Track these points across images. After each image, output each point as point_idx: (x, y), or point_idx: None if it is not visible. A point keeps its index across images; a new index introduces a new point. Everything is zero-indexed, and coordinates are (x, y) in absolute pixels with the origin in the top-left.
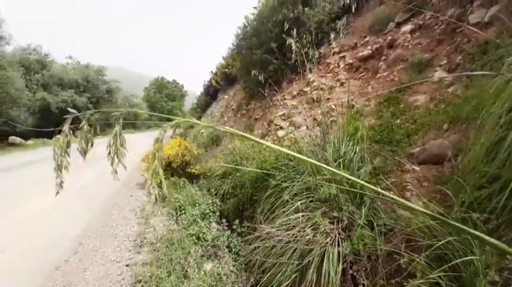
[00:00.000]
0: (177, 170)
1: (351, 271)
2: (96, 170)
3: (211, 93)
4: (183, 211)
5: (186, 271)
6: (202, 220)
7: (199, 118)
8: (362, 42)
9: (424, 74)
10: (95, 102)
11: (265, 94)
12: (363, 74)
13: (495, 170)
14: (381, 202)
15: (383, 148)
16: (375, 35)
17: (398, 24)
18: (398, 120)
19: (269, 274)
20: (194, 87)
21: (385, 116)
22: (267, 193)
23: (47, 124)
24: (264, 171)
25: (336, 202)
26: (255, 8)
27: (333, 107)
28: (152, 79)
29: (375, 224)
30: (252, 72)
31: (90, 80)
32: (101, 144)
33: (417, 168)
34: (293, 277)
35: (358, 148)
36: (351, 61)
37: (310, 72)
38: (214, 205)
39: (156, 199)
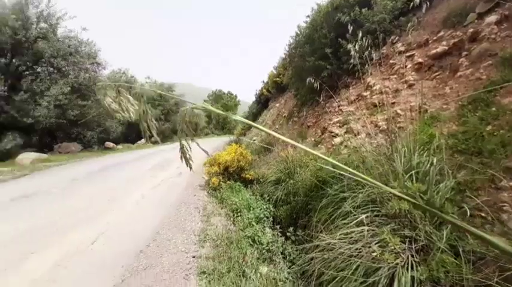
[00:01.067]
0: (233, 174)
1: None
2: (166, 173)
3: (262, 102)
4: (239, 214)
5: (244, 270)
6: (257, 223)
7: (249, 127)
8: (435, 37)
9: None
10: (165, 114)
11: (319, 101)
12: (437, 73)
13: None
14: (469, 225)
15: (470, 159)
16: (451, 29)
17: (481, 15)
18: (489, 127)
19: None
20: (247, 97)
21: (470, 122)
22: (323, 202)
23: (131, 132)
24: (319, 179)
25: (408, 219)
26: (308, 16)
27: (400, 112)
28: (211, 92)
29: (461, 249)
30: (304, 79)
31: (163, 96)
32: (172, 149)
33: None
34: None
35: (435, 159)
36: (420, 60)
37: (371, 75)
38: (268, 210)
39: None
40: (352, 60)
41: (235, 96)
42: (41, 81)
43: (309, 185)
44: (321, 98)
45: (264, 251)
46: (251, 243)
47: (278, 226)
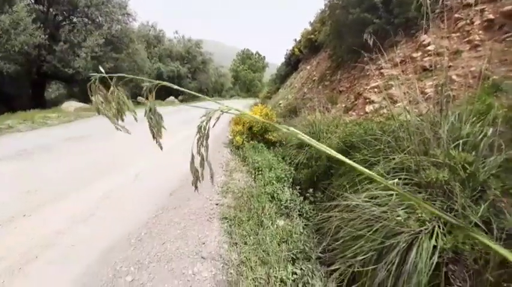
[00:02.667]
0: (256, 135)
1: (445, 269)
2: (192, 129)
3: (292, 64)
4: (260, 172)
5: (262, 220)
6: (277, 182)
7: (277, 89)
8: None
9: None
10: (193, 72)
11: (357, 62)
12: (508, 34)
13: None
14: (509, 203)
15: None
16: None
17: None
18: None
19: (344, 244)
20: (276, 59)
21: None
22: (346, 167)
23: (159, 89)
24: (347, 145)
25: (443, 190)
26: None
27: (455, 78)
28: (240, 51)
29: (494, 226)
30: (343, 36)
31: (191, 52)
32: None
33: None
34: (370, 254)
35: (490, 130)
36: (491, 16)
37: (426, 32)
38: (289, 171)
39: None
40: (409, 13)
41: (263, 57)
42: (78, 32)
43: (335, 150)
44: (361, 58)
45: (282, 207)
46: (270, 199)
47: (298, 187)
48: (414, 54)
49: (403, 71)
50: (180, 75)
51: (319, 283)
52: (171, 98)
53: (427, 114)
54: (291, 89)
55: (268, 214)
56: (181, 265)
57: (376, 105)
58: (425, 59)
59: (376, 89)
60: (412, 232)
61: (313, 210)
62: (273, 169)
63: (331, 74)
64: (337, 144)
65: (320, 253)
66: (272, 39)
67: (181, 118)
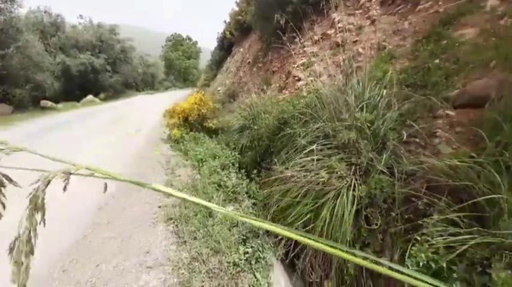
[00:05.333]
0: (194, 124)
1: (365, 213)
2: (121, 130)
3: (225, 47)
4: (204, 163)
5: (210, 212)
6: (222, 170)
7: (214, 76)
8: None
9: (477, 3)
10: (111, 63)
11: (283, 43)
12: (400, 7)
13: None
14: (405, 149)
15: (415, 92)
16: None
17: None
18: (437, 60)
19: (286, 212)
20: (209, 44)
21: (421, 56)
22: (283, 142)
23: (71, 87)
24: (280, 122)
25: (356, 149)
26: None
27: (361, 50)
28: (170, 36)
29: (396, 170)
30: (267, 17)
31: (104, 40)
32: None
33: (452, 113)
34: (308, 215)
35: (384, 91)
36: None
37: (336, 10)
38: (233, 157)
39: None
40: None
41: (196, 43)
42: None
43: (272, 129)
44: (285, 37)
45: (229, 193)
46: (217, 188)
47: (243, 170)
48: (329, 32)
49: (321, 48)
50: (96, 68)
51: (269, 255)
52: (89, 97)
53: (338, 85)
54: (228, 74)
55: (217, 203)
56: (122, 283)
57: (303, 82)
58: (338, 35)
59: (302, 67)
60: (335, 188)
61: (260, 189)
62: (217, 157)
63: (263, 55)
64: (273, 123)
65: None
66: (201, 22)
67: (104, 120)
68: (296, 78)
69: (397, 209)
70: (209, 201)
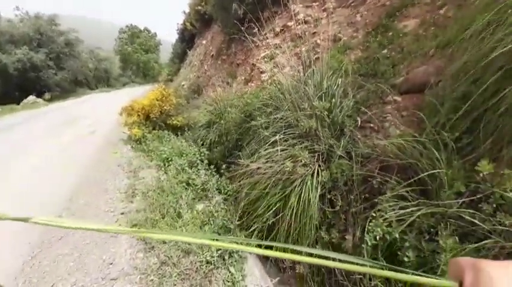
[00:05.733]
0: (157, 122)
1: (329, 196)
2: (73, 133)
3: (187, 39)
4: (170, 162)
5: (179, 212)
6: (191, 168)
7: (178, 70)
8: None
9: None
10: (55, 59)
11: (245, 34)
12: (352, 0)
13: (467, 89)
14: (361, 134)
15: (367, 80)
16: None
17: None
18: (385, 51)
19: (256, 205)
20: (170, 35)
21: (371, 47)
22: (250, 135)
23: (8, 88)
24: (246, 115)
25: (317, 136)
26: None
27: (319, 42)
28: (125, 28)
29: (353, 154)
30: (227, 7)
31: (43, 32)
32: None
33: (398, 98)
34: (277, 205)
35: (339, 81)
36: None
37: (294, 2)
38: (202, 154)
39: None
40: None
41: (155, 34)
42: None
43: (239, 122)
44: (245, 29)
45: (199, 191)
46: (186, 187)
47: (213, 166)
48: (289, 24)
49: (283, 40)
50: (36, 65)
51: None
52: (31, 98)
53: (299, 76)
54: (191, 68)
55: (186, 203)
56: None
57: (268, 74)
58: (298, 27)
59: (265, 59)
60: (301, 176)
61: (230, 183)
62: (184, 155)
63: (227, 47)
64: (239, 116)
65: (238, 220)
66: (160, 12)
67: (53, 122)
68: (260, 70)
69: (356, 190)
70: (177, 201)
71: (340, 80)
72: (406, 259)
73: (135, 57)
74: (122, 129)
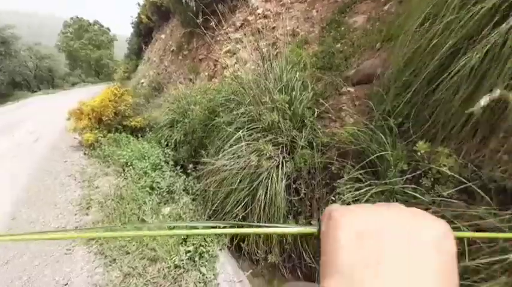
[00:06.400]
0: (112, 125)
1: (294, 185)
2: (13, 139)
3: (144, 33)
4: (130, 167)
5: (143, 219)
6: (154, 171)
7: (135, 66)
8: None
9: None
10: None
11: (206, 28)
12: None
13: (408, 79)
14: (321, 124)
15: (324, 73)
16: None
17: None
18: (338, 45)
19: (225, 202)
20: (124, 30)
21: (326, 42)
22: (214, 132)
23: None
24: (210, 112)
25: (280, 129)
26: None
27: (279, 36)
28: (69, 21)
29: (314, 143)
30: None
31: None
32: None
33: (352, 89)
34: (246, 199)
35: (298, 74)
36: None
37: None
38: (167, 155)
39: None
40: None
41: (108, 29)
42: None
43: (203, 120)
44: (205, 23)
45: (164, 194)
46: (149, 191)
47: (179, 167)
48: (249, 18)
49: (245, 34)
50: None
51: (213, 246)
52: None
53: (260, 70)
54: (150, 64)
55: (150, 208)
56: None
57: (231, 69)
58: (258, 21)
59: (228, 53)
60: (267, 169)
61: (198, 183)
62: (146, 157)
63: (187, 42)
64: (203, 113)
65: (207, 219)
66: (111, 3)
67: None
68: (224, 65)
69: (318, 177)
70: (139, 208)
71: (298, 73)
72: None
73: (84, 54)
74: (71, 135)
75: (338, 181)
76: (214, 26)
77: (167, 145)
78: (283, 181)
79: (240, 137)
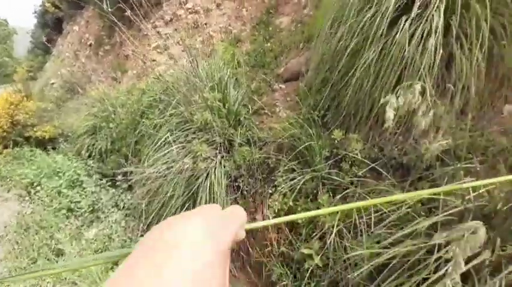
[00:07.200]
0: (7, 138)
1: (236, 183)
2: None
3: (51, 25)
4: (38, 187)
5: (59, 249)
6: (73, 189)
7: (42, 64)
8: None
9: None
10: None
11: (129, 21)
12: None
13: (325, 75)
14: (258, 121)
15: (257, 71)
16: None
17: None
18: (268, 44)
19: (164, 210)
20: (25, 21)
21: (258, 40)
22: (145, 136)
23: None
24: (138, 114)
25: (215, 128)
26: None
27: (212, 33)
28: None
29: (251, 140)
30: None
31: None
32: None
33: (283, 86)
34: (187, 204)
35: (230, 72)
36: None
37: None
38: (89, 168)
39: None
40: None
41: (5, 21)
42: None
43: (133, 123)
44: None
45: (87, 214)
46: (66, 214)
47: (105, 180)
48: (179, 12)
49: (176, 29)
50: None
51: None
52: None
53: (191, 67)
54: (62, 61)
55: (69, 234)
56: None
57: (163, 67)
58: (189, 16)
59: (158, 49)
60: (205, 170)
61: (130, 195)
62: (60, 174)
63: (109, 35)
64: (132, 117)
65: (142, 235)
66: None
67: None
68: (155, 62)
69: (258, 172)
70: (51, 237)
71: (229, 70)
72: (300, 222)
73: None
74: None
75: (275, 173)
76: (139, 19)
77: (90, 156)
78: (224, 181)
79: (173, 140)
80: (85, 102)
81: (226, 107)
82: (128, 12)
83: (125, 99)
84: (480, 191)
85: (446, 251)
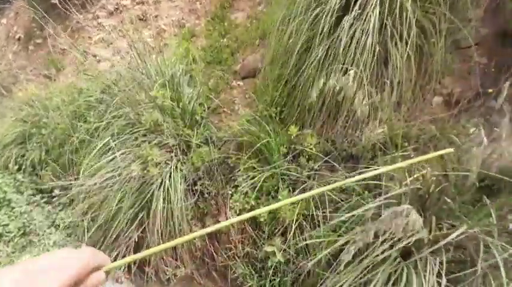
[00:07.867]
0: None
1: (196, 187)
2: None
3: None
4: None
5: None
6: None
7: None
8: None
9: None
10: None
11: (65, 10)
12: None
13: (279, 72)
14: (217, 119)
15: (214, 68)
16: None
17: None
18: (224, 39)
19: (111, 224)
20: None
21: (213, 36)
22: (85, 142)
23: None
24: (76, 116)
25: (168, 129)
26: None
27: (164, 27)
28: None
29: (210, 140)
30: None
31: None
32: None
33: (241, 83)
34: (140, 215)
35: (182, 68)
36: None
37: None
38: (19, 183)
39: None
40: None
41: None
42: None
43: (71, 128)
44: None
45: (17, 239)
46: None
47: (40, 196)
48: (124, 2)
49: (122, 21)
50: None
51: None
52: None
53: (138, 63)
54: None
55: None
56: None
57: (107, 63)
58: (136, 7)
59: (101, 43)
60: (159, 175)
61: (71, 212)
62: None
63: (41, 27)
64: (68, 120)
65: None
66: None
67: None
68: (97, 58)
69: (218, 173)
70: None
71: (183, 67)
72: (262, 219)
73: None
74: None
75: (235, 173)
76: (76, 9)
77: (20, 169)
78: (182, 185)
79: (113, 146)
80: (11, 106)
81: (180, 106)
82: (56, 0)
83: (59, 101)
84: (415, 176)
85: (391, 233)
